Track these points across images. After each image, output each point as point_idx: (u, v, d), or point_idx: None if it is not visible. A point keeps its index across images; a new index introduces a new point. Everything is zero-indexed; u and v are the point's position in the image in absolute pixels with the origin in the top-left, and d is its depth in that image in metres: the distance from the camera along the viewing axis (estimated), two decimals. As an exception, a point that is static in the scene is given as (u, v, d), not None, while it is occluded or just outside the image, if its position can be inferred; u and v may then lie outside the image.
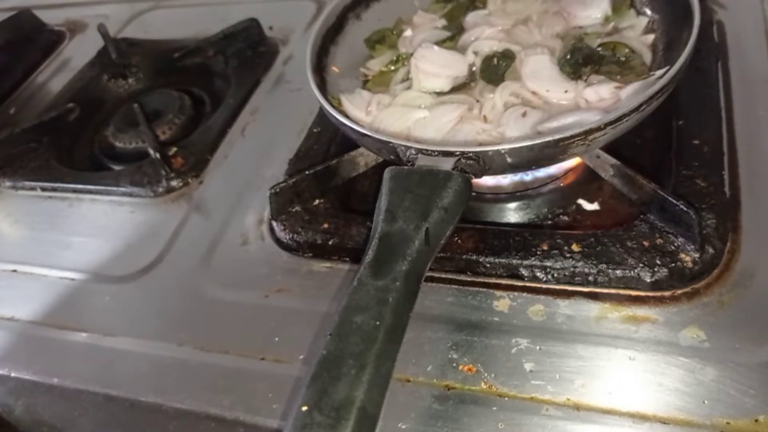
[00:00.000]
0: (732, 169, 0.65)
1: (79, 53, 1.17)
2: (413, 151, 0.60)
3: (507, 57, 0.74)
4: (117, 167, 0.91)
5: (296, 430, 0.42)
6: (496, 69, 0.73)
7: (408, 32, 0.84)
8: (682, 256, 0.57)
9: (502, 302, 0.60)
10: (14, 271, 0.79)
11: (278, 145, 0.84)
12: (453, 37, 0.80)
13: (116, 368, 0.65)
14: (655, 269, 0.57)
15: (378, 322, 0.46)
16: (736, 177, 0.64)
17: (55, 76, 1.14)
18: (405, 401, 0.55)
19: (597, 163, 0.64)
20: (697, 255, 0.57)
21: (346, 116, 0.67)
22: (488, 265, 0.62)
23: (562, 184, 0.71)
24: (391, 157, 0.63)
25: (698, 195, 0.61)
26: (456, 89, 0.74)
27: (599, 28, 0.76)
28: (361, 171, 0.73)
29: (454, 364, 0.57)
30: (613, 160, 0.62)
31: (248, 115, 0.92)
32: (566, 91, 0.68)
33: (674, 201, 0.57)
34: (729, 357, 0.52)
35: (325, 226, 0.69)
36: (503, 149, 0.57)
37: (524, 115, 0.66)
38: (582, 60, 0.71)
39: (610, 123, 0.57)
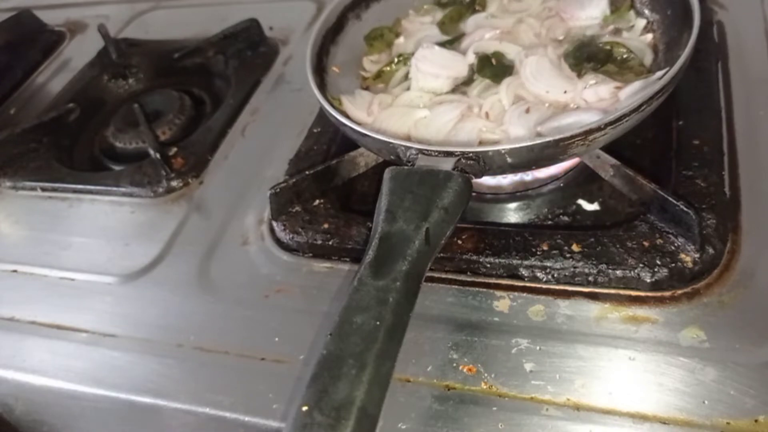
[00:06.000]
0: (732, 169, 0.65)
1: (79, 53, 1.17)
2: (413, 152, 0.60)
3: (505, 64, 0.74)
4: (117, 167, 0.91)
5: (296, 430, 0.42)
6: (494, 68, 0.73)
7: (400, 39, 0.84)
8: (682, 256, 0.58)
9: (502, 302, 0.60)
10: (14, 271, 0.79)
11: (278, 146, 0.84)
12: (453, 41, 0.81)
13: (116, 368, 0.65)
14: (655, 269, 0.57)
15: (378, 322, 0.46)
16: (736, 177, 0.64)
17: (56, 77, 1.14)
18: (405, 401, 0.55)
19: (597, 163, 0.64)
20: (697, 255, 0.57)
21: (347, 116, 0.67)
22: (488, 266, 0.62)
23: (562, 184, 0.71)
24: (392, 157, 0.63)
25: (698, 195, 0.61)
26: (456, 89, 0.74)
27: (598, 29, 0.77)
28: (362, 171, 0.73)
29: (454, 364, 0.57)
30: (613, 161, 0.62)
31: (248, 115, 0.92)
32: (565, 92, 0.68)
33: (674, 201, 0.57)
34: (729, 357, 0.52)
35: (325, 226, 0.69)
36: (503, 149, 0.57)
37: (527, 111, 0.66)
38: (587, 56, 0.71)
39: (610, 123, 0.57)
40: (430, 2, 0.88)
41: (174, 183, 0.83)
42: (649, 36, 0.74)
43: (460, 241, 0.64)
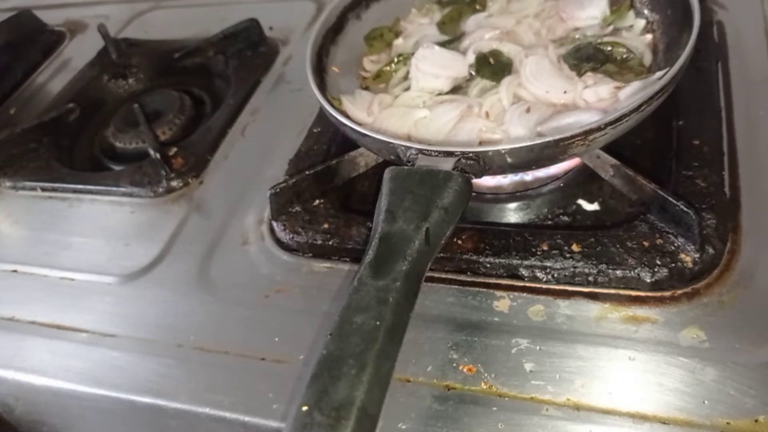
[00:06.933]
0: (732, 169, 0.65)
1: (79, 53, 1.17)
2: (413, 152, 0.60)
3: (503, 62, 0.74)
4: (117, 167, 0.91)
5: (296, 430, 0.42)
6: (493, 67, 0.74)
7: (400, 39, 0.84)
8: (682, 256, 0.58)
9: (502, 302, 0.60)
10: (14, 271, 0.79)
11: (278, 146, 0.84)
12: (453, 40, 0.81)
13: (116, 368, 0.65)
14: (655, 269, 0.57)
15: (378, 322, 0.46)
16: (736, 177, 0.64)
17: (56, 77, 1.14)
18: (405, 401, 0.55)
19: (597, 163, 0.64)
20: (697, 255, 0.57)
21: (347, 116, 0.67)
22: (488, 266, 0.62)
23: (562, 184, 0.71)
24: (392, 157, 0.63)
25: (698, 195, 0.61)
26: (455, 89, 0.74)
27: (598, 29, 0.77)
28: (361, 171, 0.73)
29: (454, 364, 0.57)
30: (613, 161, 0.62)
31: (248, 115, 0.92)
32: (565, 92, 0.68)
33: (674, 201, 0.57)
34: (729, 357, 0.52)
35: (325, 226, 0.69)
36: (503, 149, 0.57)
37: (528, 111, 0.66)
38: (586, 56, 0.71)
39: (610, 123, 0.57)
40: (432, 1, 0.88)
41: (174, 183, 0.83)
42: (649, 36, 0.74)
43: (460, 241, 0.64)
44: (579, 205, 0.68)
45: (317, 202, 0.72)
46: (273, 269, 0.69)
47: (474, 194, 0.70)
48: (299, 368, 0.60)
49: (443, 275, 0.63)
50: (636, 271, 0.58)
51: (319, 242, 0.69)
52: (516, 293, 0.61)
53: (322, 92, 0.70)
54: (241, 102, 0.93)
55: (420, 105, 0.73)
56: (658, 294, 0.57)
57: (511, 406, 0.53)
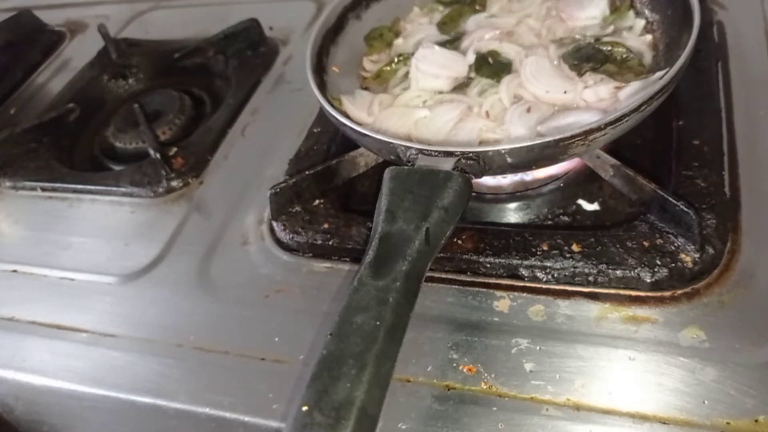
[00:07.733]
0: (732, 169, 0.65)
1: (79, 53, 1.17)
2: (413, 152, 0.60)
3: (503, 62, 0.74)
4: (117, 167, 0.91)
5: (296, 430, 0.42)
6: (492, 67, 0.74)
7: (399, 40, 0.84)
8: (682, 256, 0.58)
9: (502, 302, 0.60)
10: (14, 271, 0.79)
11: (278, 146, 0.84)
12: (453, 40, 0.81)
13: (116, 368, 0.65)
14: (655, 269, 0.57)
15: (378, 322, 0.46)
16: (736, 177, 0.64)
17: (56, 77, 1.14)
18: (405, 401, 0.55)
19: (597, 163, 0.64)
20: (697, 255, 0.57)
21: (347, 116, 0.67)
22: (488, 266, 0.62)
23: (562, 184, 0.71)
24: (392, 157, 0.63)
25: (698, 195, 0.61)
26: (455, 89, 0.74)
27: (598, 29, 0.77)
28: (362, 171, 0.73)
29: (454, 364, 0.57)
30: (613, 161, 0.62)
31: (248, 115, 0.92)
32: (565, 92, 0.68)
33: (674, 201, 0.57)
34: (729, 357, 0.52)
35: (325, 226, 0.69)
36: (503, 149, 0.57)
37: (528, 110, 0.66)
38: (586, 56, 0.71)
39: (610, 123, 0.57)
40: (433, 0, 0.88)
41: (174, 183, 0.83)
42: (649, 36, 0.74)
43: (460, 241, 0.64)
44: (579, 205, 0.68)
45: (317, 202, 0.72)
46: (273, 269, 0.69)
47: (474, 194, 0.70)
48: (299, 368, 0.60)
49: (443, 275, 0.63)
50: (636, 271, 0.58)
51: (319, 242, 0.69)
52: (516, 293, 0.61)
53: (322, 92, 0.70)
54: (241, 102, 0.93)
55: (420, 105, 0.73)
56: (658, 294, 0.57)
57: (511, 406, 0.53)
